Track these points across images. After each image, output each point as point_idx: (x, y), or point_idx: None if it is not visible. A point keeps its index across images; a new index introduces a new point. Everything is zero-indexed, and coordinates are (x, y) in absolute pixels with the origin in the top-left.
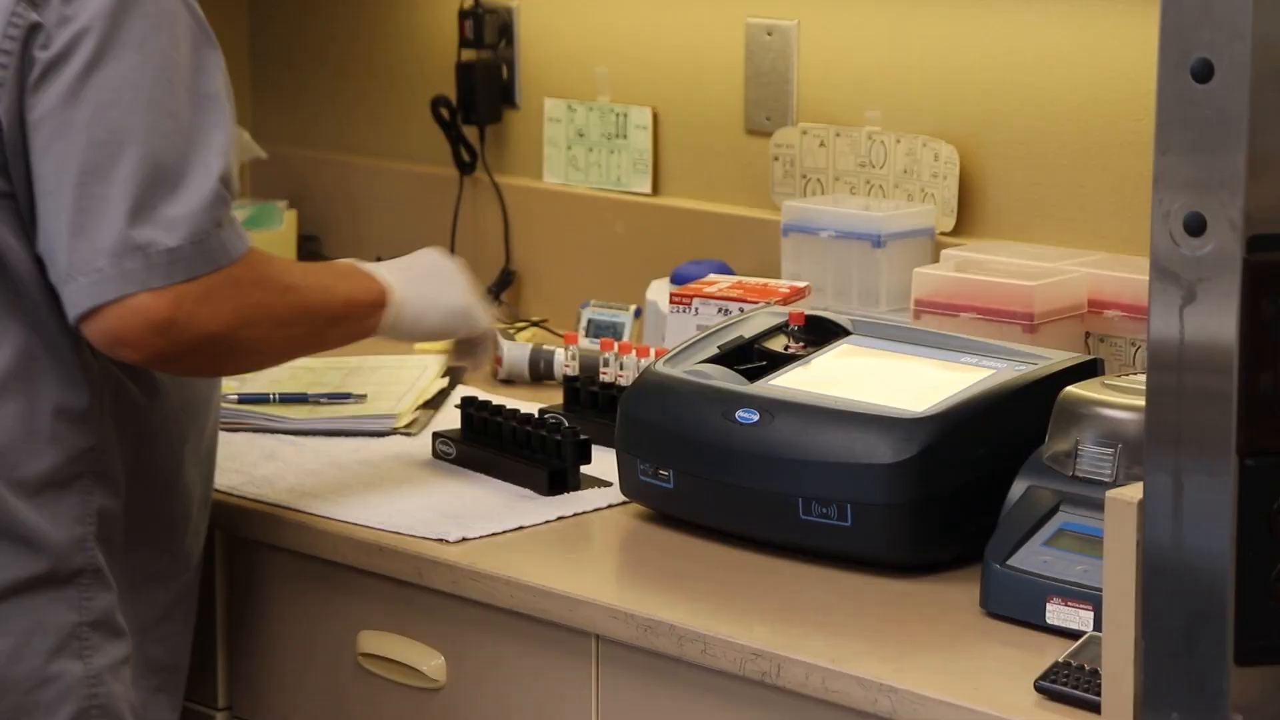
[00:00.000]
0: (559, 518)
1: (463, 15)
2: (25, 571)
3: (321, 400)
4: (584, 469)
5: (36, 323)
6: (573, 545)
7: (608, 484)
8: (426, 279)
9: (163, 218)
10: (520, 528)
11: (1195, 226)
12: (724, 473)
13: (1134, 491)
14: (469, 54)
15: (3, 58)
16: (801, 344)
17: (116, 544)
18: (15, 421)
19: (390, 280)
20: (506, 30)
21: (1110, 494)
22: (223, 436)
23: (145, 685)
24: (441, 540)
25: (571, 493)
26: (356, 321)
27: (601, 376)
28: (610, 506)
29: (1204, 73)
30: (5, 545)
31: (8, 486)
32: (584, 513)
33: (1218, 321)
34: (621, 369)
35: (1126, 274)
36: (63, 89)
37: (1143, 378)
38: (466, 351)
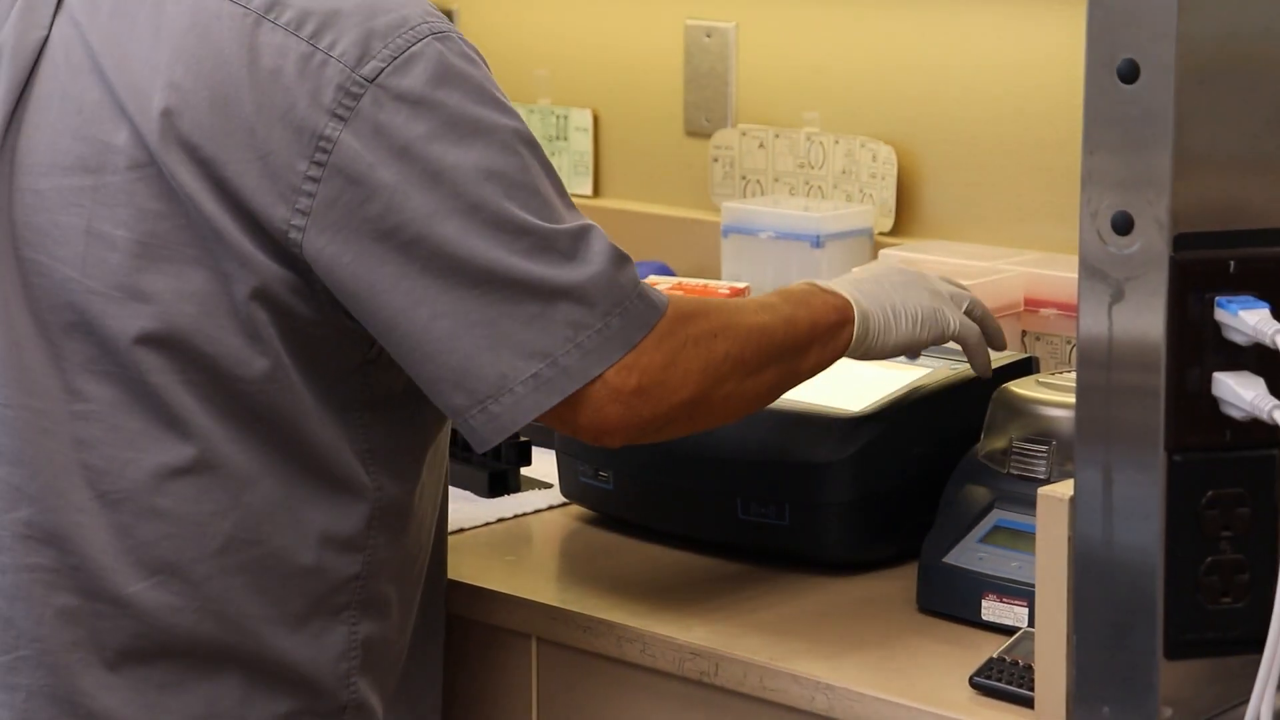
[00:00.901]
0: (499, 520)
1: None
2: (285, 708)
3: None
4: (524, 471)
5: (299, 453)
6: (513, 547)
7: (548, 486)
8: (886, 288)
9: (575, 291)
10: (461, 530)
11: (1123, 225)
12: (663, 473)
13: (1065, 488)
14: None
15: (310, 184)
16: None
17: (384, 669)
18: (275, 558)
19: (850, 293)
20: None
21: (1042, 491)
22: None
23: None
24: None
25: (512, 495)
26: (823, 345)
27: None
28: (551, 508)
29: (1130, 73)
30: (269, 681)
31: (271, 620)
32: (524, 514)
33: (1146, 319)
34: None
35: (1061, 273)
36: (412, 204)
37: (1075, 375)
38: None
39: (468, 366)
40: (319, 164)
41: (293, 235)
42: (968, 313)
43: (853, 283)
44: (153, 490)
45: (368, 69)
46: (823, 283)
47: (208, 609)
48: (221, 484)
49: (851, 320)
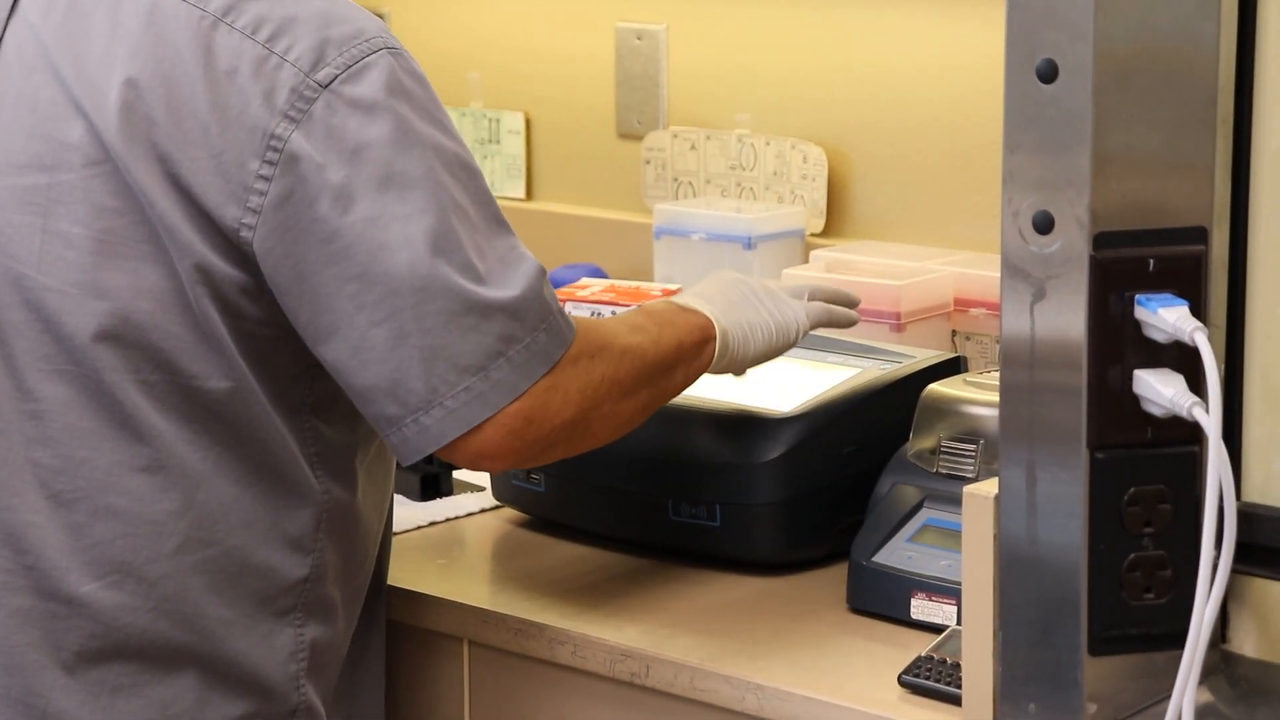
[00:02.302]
0: (431, 523)
1: None
2: (240, 710)
3: None
4: (456, 474)
5: (251, 454)
6: (445, 550)
7: (480, 489)
8: (737, 304)
9: (508, 307)
10: (394, 533)
11: (1043, 224)
12: (594, 475)
13: (990, 486)
14: None
15: (261, 183)
16: None
17: (329, 673)
18: (230, 558)
19: (709, 311)
20: None
21: (967, 489)
22: None
23: None
24: None
25: (445, 498)
26: (688, 364)
27: None
28: (483, 511)
29: (1049, 73)
30: (224, 683)
31: (226, 621)
32: (457, 517)
33: (1067, 318)
34: None
35: (990, 273)
36: (358, 207)
37: None
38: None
39: (400, 378)
40: (270, 163)
41: (244, 234)
42: (811, 297)
43: (706, 300)
44: (106, 490)
45: (322, 74)
46: (681, 301)
47: (163, 609)
48: (176, 483)
49: (713, 338)
